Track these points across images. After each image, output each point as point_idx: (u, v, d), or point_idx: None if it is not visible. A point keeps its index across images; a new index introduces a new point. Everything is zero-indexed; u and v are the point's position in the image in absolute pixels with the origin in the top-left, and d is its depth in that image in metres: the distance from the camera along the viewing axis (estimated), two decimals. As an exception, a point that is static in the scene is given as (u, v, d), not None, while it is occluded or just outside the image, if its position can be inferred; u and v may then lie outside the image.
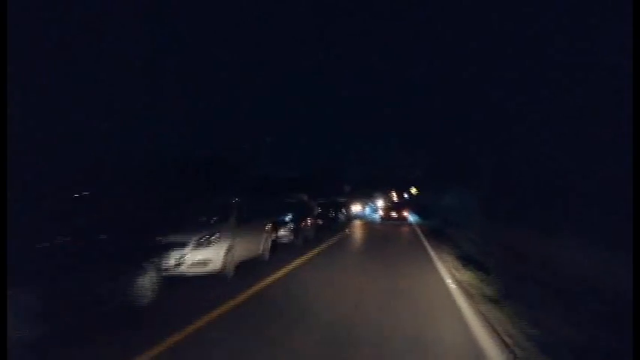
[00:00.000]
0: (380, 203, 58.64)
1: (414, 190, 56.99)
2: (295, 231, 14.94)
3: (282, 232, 14.37)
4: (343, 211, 27.71)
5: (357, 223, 32.69)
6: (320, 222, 22.95)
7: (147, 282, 6.44)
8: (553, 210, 14.58)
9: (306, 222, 16.73)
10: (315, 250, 13.76)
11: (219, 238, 8.60)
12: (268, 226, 11.68)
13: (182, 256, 8.04)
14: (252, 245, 10.36)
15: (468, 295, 7.47)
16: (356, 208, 39.36)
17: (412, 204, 52.66)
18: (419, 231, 24.46)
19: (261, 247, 10.96)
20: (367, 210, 46.99)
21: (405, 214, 34.20)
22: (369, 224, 31.86)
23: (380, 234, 23.35)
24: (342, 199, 31.37)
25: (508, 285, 8.18)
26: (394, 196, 72.28)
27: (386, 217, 33.58)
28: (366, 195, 51.75)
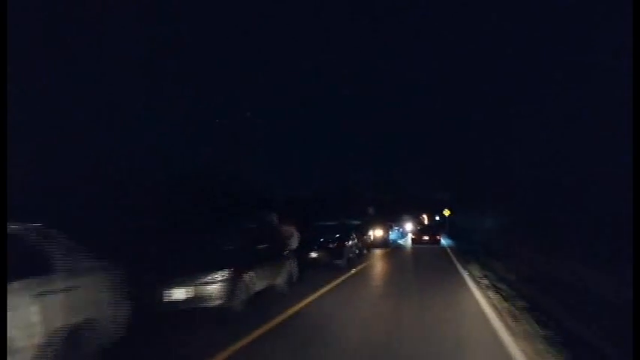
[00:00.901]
0: (409, 226, 51.43)
1: (446, 212, 49.28)
2: (231, 286, 7.72)
3: (194, 292, 7.26)
4: (353, 236, 20.02)
5: (376, 253, 25.16)
6: (314, 255, 15.86)
7: None
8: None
9: (267, 263, 9.51)
10: (251, 336, 6.53)
11: None
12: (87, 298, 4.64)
13: None
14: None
15: None
16: (377, 232, 31.46)
17: (445, 226, 48.67)
18: (459, 266, 16.85)
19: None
20: (392, 235, 38.79)
21: (437, 237, 34.34)
22: (390, 255, 24.34)
23: (402, 274, 15.65)
24: (355, 222, 23.75)
25: None
26: (425, 219, 66.26)
27: (418, 240, 34.23)
28: (391, 218, 43.76)
